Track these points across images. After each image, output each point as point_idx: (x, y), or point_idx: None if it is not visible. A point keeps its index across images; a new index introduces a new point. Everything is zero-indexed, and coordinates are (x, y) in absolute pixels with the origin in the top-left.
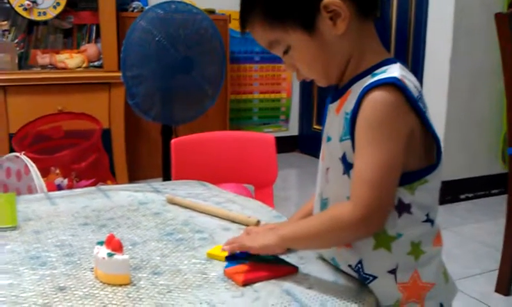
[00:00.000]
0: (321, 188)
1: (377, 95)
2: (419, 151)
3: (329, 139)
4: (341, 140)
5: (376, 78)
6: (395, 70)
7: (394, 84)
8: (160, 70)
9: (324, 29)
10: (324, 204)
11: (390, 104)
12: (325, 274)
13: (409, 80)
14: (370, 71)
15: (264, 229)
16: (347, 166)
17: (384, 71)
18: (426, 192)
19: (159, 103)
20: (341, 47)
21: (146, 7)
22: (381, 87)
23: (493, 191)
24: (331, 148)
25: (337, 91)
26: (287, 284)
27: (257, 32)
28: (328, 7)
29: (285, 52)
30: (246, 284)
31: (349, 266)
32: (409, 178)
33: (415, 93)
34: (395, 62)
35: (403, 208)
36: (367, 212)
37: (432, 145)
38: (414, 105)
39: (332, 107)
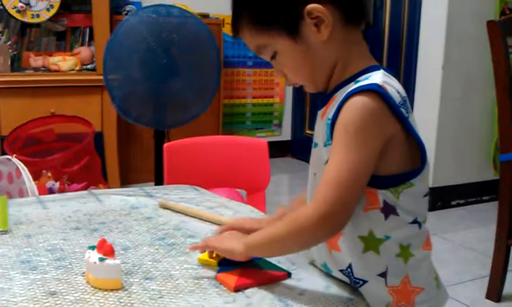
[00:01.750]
0: (311, 194)
1: (355, 101)
2: (403, 155)
3: (315, 144)
4: (325, 145)
5: (358, 84)
6: (377, 77)
7: (374, 91)
8: (150, 74)
9: (308, 35)
10: None
11: (367, 109)
12: (317, 279)
13: (392, 86)
14: (354, 78)
15: (234, 232)
16: None
17: (367, 78)
18: (411, 196)
19: (151, 108)
20: (326, 53)
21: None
22: (361, 93)
23: (484, 198)
24: (318, 153)
25: (324, 98)
26: (279, 290)
27: (246, 36)
28: (311, 13)
29: (273, 57)
30: (237, 289)
31: (340, 271)
32: (394, 181)
33: (397, 99)
34: (378, 69)
35: (389, 210)
36: (327, 210)
37: (416, 149)
38: (395, 111)
39: (319, 114)
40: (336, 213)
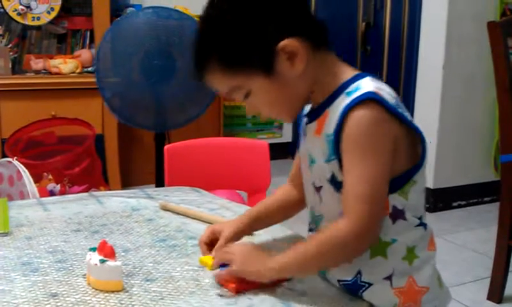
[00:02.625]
0: (312, 205)
1: (358, 114)
2: (406, 153)
3: (313, 161)
4: (327, 161)
5: (352, 97)
6: (368, 85)
7: (371, 99)
8: (149, 76)
9: (283, 70)
10: (318, 220)
11: (371, 119)
12: (318, 280)
13: (384, 90)
14: (342, 89)
15: (256, 250)
16: (337, 185)
17: (358, 88)
18: (416, 193)
19: (149, 110)
20: (301, 84)
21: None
22: (360, 105)
23: (486, 199)
24: (317, 169)
25: (313, 112)
26: (281, 291)
27: (217, 78)
28: (284, 49)
29: (246, 97)
30: (239, 291)
31: (338, 281)
32: (400, 181)
33: (392, 101)
34: (364, 76)
35: (397, 214)
36: (363, 225)
37: (417, 143)
38: (394, 112)
39: (310, 128)
40: (373, 226)
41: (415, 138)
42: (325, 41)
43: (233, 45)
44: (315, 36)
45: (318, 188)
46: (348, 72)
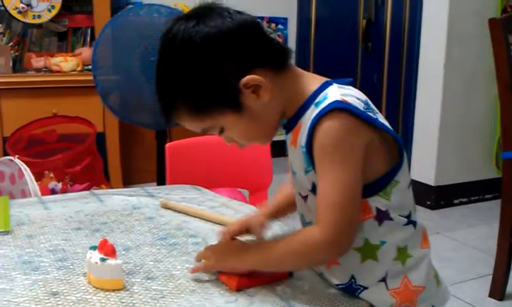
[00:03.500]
0: (302, 213)
1: (326, 125)
2: (382, 155)
3: (294, 173)
4: (306, 172)
5: (319, 107)
6: (334, 93)
7: (338, 108)
8: (147, 73)
9: (250, 103)
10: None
11: (339, 129)
12: (318, 279)
13: (350, 95)
14: (311, 100)
15: (233, 243)
16: None
17: (325, 98)
18: (400, 192)
19: (151, 109)
20: (271, 109)
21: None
22: (327, 116)
23: (487, 196)
24: (299, 181)
25: (288, 124)
26: (281, 289)
27: (188, 123)
28: (247, 84)
29: (221, 132)
30: (239, 289)
31: (336, 285)
32: (381, 183)
33: (360, 106)
34: (331, 84)
35: (382, 216)
36: (337, 233)
37: (393, 145)
38: (363, 118)
39: (288, 140)
40: (346, 234)
41: (391, 140)
42: (286, 60)
43: (196, 92)
44: (276, 60)
45: (304, 198)
46: (315, 82)
